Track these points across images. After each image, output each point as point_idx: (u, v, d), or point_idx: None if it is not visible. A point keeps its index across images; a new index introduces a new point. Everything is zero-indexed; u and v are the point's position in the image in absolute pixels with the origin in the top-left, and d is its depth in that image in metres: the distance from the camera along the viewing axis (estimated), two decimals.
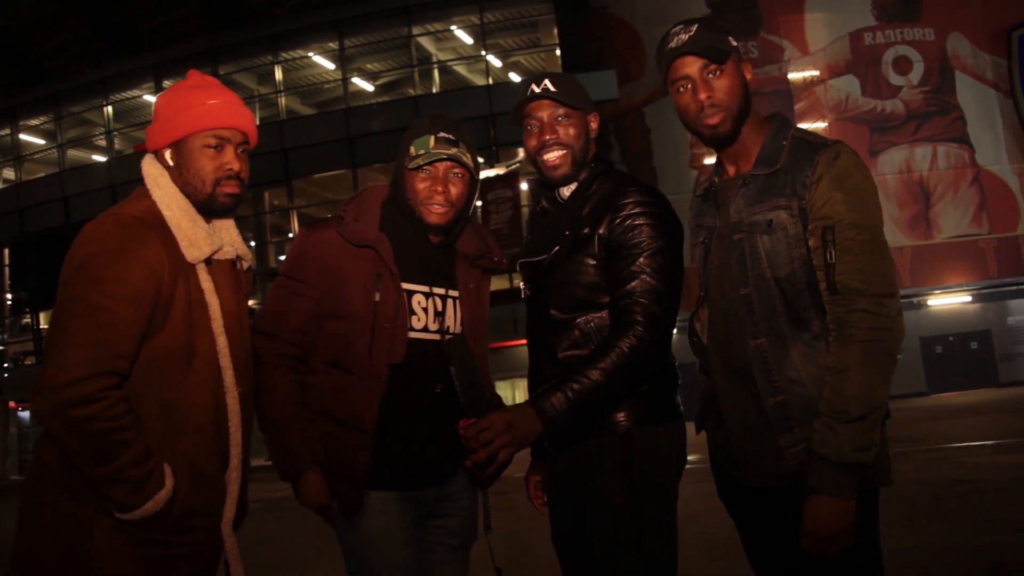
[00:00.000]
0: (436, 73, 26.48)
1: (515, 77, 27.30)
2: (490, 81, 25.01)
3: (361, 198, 2.42)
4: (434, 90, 25.90)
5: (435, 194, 2.29)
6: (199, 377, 1.93)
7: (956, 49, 23.31)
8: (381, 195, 2.42)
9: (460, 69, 27.11)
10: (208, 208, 2.05)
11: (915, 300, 22.74)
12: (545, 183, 2.39)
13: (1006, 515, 5.98)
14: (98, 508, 1.81)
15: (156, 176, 2.04)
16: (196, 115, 2.04)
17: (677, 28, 2.16)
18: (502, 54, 26.92)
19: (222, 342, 1.98)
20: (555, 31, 24.95)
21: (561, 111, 2.30)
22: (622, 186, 2.26)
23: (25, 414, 29.42)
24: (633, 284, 2.13)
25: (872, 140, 23.02)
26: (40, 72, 28.17)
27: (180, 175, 2.04)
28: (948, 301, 23.16)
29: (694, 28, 2.12)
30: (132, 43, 26.81)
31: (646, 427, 2.19)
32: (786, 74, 23.38)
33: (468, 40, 26.13)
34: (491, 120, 22.82)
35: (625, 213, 2.19)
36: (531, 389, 2.36)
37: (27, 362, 27.93)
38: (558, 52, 24.78)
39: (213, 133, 2.04)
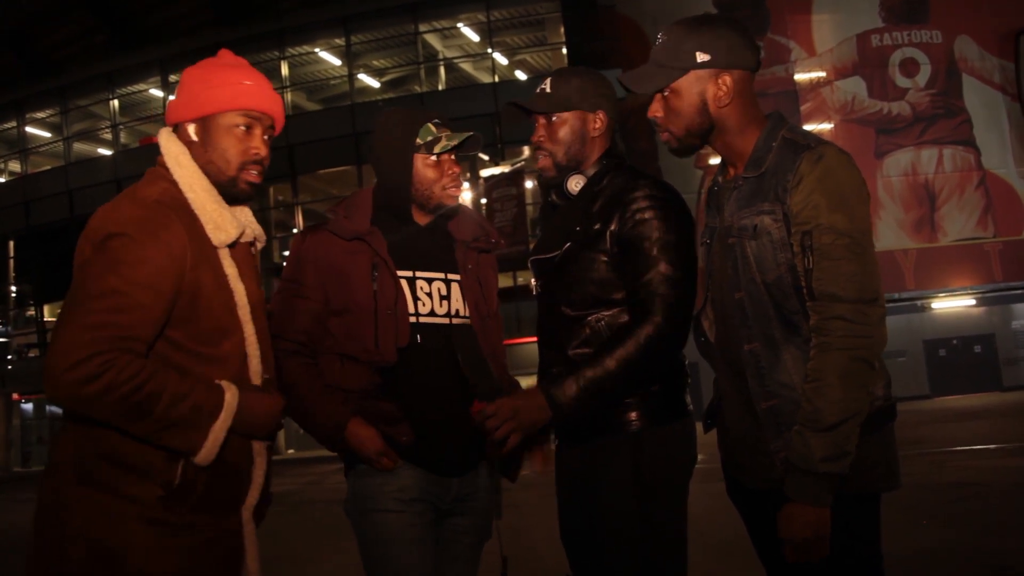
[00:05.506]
0: (442, 70, 26.51)
1: (521, 75, 27.31)
2: (496, 79, 25.03)
3: (350, 198, 2.51)
4: (440, 87, 25.92)
5: (453, 177, 2.42)
6: (224, 363, 1.89)
7: (963, 52, 23.24)
8: (370, 194, 2.50)
9: (466, 66, 27.13)
10: (227, 193, 1.99)
11: (919, 303, 22.72)
12: (543, 183, 2.47)
13: (1008, 519, 5.97)
14: (121, 497, 1.77)
15: (177, 154, 1.97)
16: (231, 93, 1.98)
17: (660, 34, 2.17)
18: (508, 52, 26.92)
19: (249, 330, 1.94)
20: (561, 29, 24.96)
21: (552, 115, 2.37)
22: (632, 181, 2.28)
23: (28, 406, 29.51)
24: (649, 275, 2.14)
25: (878, 142, 22.98)
26: (46, 64, 28.22)
27: (204, 152, 1.97)
28: (952, 304, 23.14)
29: (659, 40, 2.14)
30: (138, 37, 26.86)
31: (657, 427, 2.20)
32: (793, 75, 23.33)
33: (475, 37, 26.15)
34: (496, 118, 22.79)
35: (635, 207, 2.21)
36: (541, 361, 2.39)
37: (31, 354, 27.98)
38: (564, 51, 24.79)
39: (245, 113, 1.99)
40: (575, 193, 2.36)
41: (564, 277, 2.29)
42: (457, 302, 2.44)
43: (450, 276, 2.46)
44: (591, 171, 2.36)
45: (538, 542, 5.77)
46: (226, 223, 1.94)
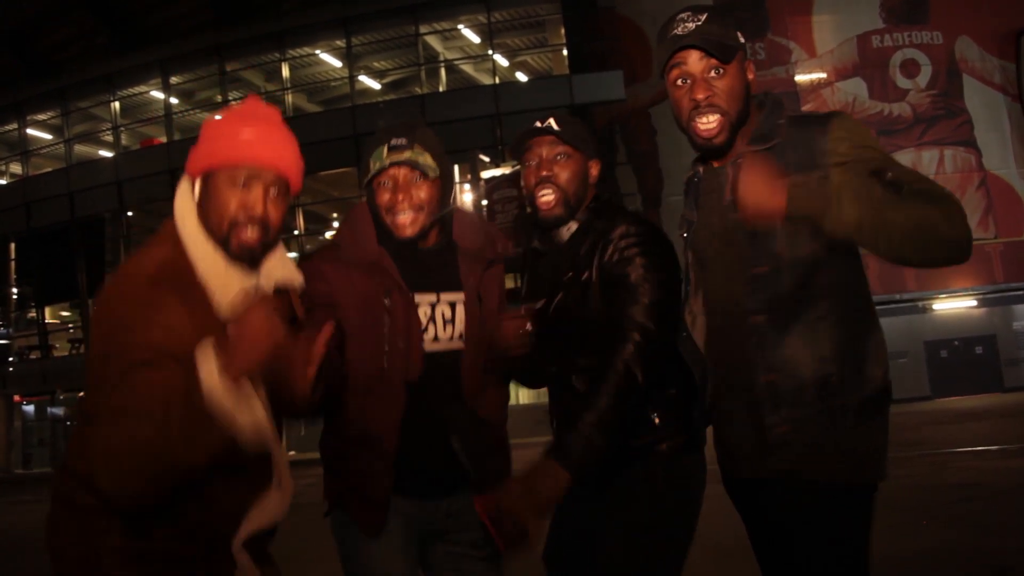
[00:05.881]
0: (443, 72, 26.51)
1: (522, 76, 27.32)
2: (496, 80, 25.01)
3: (352, 220, 2.35)
4: (440, 89, 25.92)
5: (396, 203, 2.21)
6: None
7: (964, 52, 23.26)
8: (367, 210, 2.33)
9: (467, 68, 27.12)
10: (226, 254, 1.83)
11: (920, 304, 22.72)
12: (538, 224, 2.34)
13: (1009, 520, 5.95)
14: (106, 518, 1.73)
15: (184, 213, 1.86)
16: (226, 146, 1.85)
17: (684, 14, 2.04)
18: (509, 53, 26.92)
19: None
20: (562, 31, 24.96)
21: (560, 149, 2.27)
22: (613, 220, 2.24)
23: (30, 408, 29.50)
24: (625, 306, 2.10)
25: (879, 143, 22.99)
26: (47, 66, 28.23)
27: (202, 210, 1.85)
28: (953, 305, 23.13)
29: (703, 17, 2.01)
30: (138, 38, 26.85)
31: (679, 458, 2.19)
32: (793, 76, 23.36)
33: (475, 39, 26.14)
34: (497, 119, 22.83)
35: (614, 247, 2.17)
36: (554, 425, 2.32)
37: (32, 356, 27.99)
38: (565, 52, 24.79)
39: (242, 168, 1.84)
40: (565, 240, 2.30)
41: (562, 327, 2.24)
42: (461, 324, 2.31)
43: (454, 297, 2.31)
44: (580, 216, 2.30)
45: (539, 546, 5.76)
46: (231, 292, 1.79)
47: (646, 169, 22.83)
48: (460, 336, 2.30)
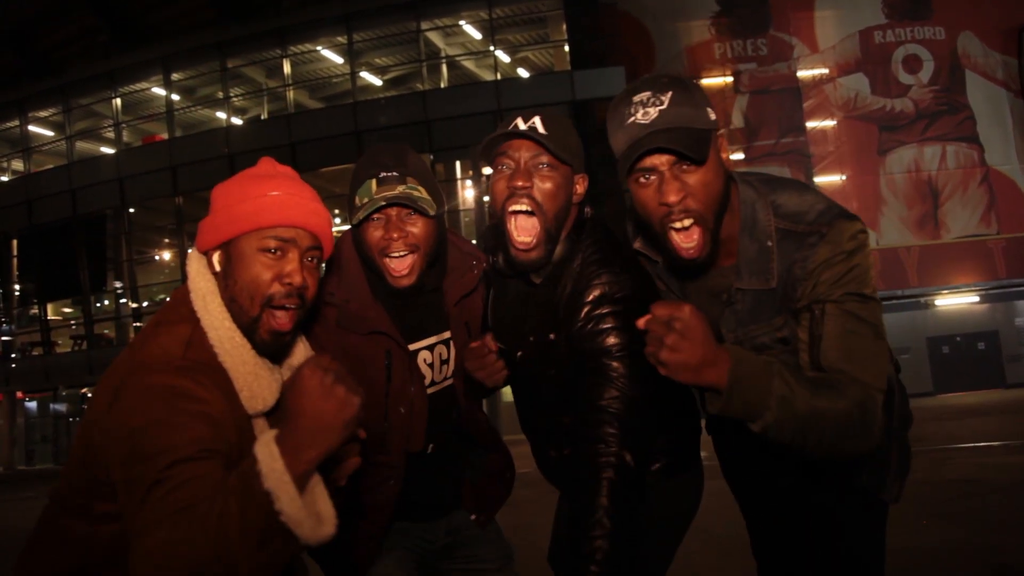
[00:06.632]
0: (444, 68, 26.48)
1: (523, 72, 27.28)
2: (498, 76, 24.98)
3: (340, 268, 2.07)
4: (442, 85, 25.89)
5: (390, 242, 1.94)
6: None
7: (966, 48, 23.19)
8: (352, 252, 2.09)
9: (468, 64, 27.09)
10: (248, 337, 1.60)
11: (922, 300, 22.68)
12: (508, 259, 1.98)
13: (1009, 517, 5.96)
14: (93, 522, 1.58)
15: (204, 293, 1.60)
16: (253, 208, 1.59)
17: (643, 95, 1.65)
18: (510, 49, 26.88)
19: None
20: (563, 27, 24.92)
21: (544, 158, 1.88)
22: (590, 270, 1.92)
23: (32, 405, 29.54)
24: (601, 394, 1.80)
25: (881, 139, 22.93)
26: (48, 63, 28.23)
27: (227, 287, 1.61)
28: (956, 301, 23.09)
29: (666, 98, 1.62)
30: (140, 35, 26.86)
31: (666, 479, 2.10)
32: (795, 72, 23.30)
33: (477, 35, 26.11)
34: (499, 115, 22.79)
35: (586, 314, 1.87)
36: (540, 466, 2.25)
37: (34, 353, 28.02)
38: (566, 48, 24.76)
39: (273, 233, 1.59)
40: (537, 283, 1.99)
41: (533, 379, 2.06)
42: (456, 359, 2.19)
43: (448, 334, 2.17)
44: (557, 253, 1.95)
45: (540, 538, 5.76)
46: (262, 388, 1.58)
47: None
48: (455, 371, 2.18)
